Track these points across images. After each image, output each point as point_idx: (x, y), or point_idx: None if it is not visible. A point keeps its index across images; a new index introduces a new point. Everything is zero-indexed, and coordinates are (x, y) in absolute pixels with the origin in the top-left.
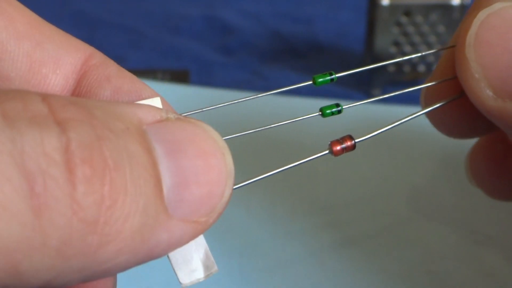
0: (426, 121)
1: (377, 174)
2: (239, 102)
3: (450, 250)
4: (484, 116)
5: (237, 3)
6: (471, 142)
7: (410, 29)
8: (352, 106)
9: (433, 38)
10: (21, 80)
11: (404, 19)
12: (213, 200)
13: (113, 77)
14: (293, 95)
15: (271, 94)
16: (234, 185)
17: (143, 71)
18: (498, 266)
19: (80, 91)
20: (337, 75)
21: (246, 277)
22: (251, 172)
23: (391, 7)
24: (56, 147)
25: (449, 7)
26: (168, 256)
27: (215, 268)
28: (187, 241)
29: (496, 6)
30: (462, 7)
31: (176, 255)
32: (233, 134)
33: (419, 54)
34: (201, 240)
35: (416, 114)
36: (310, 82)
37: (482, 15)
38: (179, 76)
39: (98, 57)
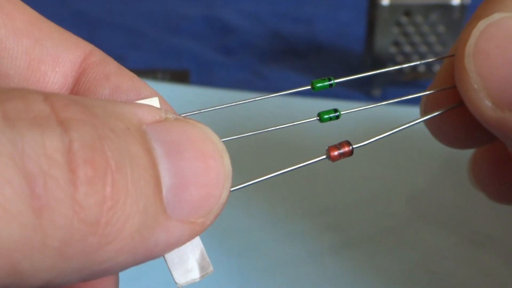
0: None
1: (377, 175)
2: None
3: (450, 250)
4: (483, 126)
5: (237, 3)
6: None
7: (410, 29)
8: (351, 111)
9: (433, 38)
10: (20, 77)
11: (404, 19)
12: (211, 201)
13: (112, 75)
14: (292, 95)
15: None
16: (232, 187)
17: (143, 71)
18: (498, 266)
19: (78, 89)
20: (336, 80)
21: (246, 278)
22: (249, 173)
23: (391, 7)
24: (58, 147)
25: (449, 7)
26: (164, 257)
27: (211, 268)
28: (185, 242)
29: (496, 16)
30: (462, 7)
31: (172, 256)
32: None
33: (419, 62)
34: (197, 241)
35: (415, 122)
36: (309, 87)
37: (481, 25)
38: (179, 76)
39: (98, 54)
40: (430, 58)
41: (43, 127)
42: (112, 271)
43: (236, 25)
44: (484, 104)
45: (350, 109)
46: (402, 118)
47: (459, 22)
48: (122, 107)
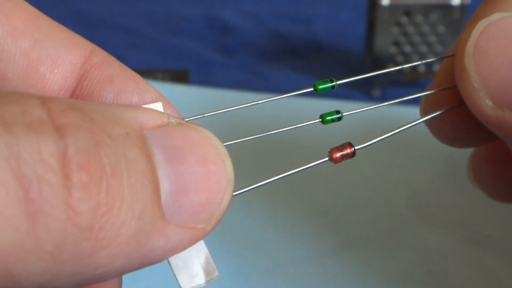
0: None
1: (377, 175)
2: (240, 104)
3: (450, 250)
4: (483, 125)
5: (237, 3)
6: None
7: (410, 29)
8: (352, 113)
9: (433, 38)
10: (18, 80)
11: (404, 19)
12: (212, 207)
13: (115, 77)
14: (293, 96)
15: (272, 94)
16: (234, 191)
17: (143, 71)
18: (498, 266)
19: (81, 92)
20: (338, 82)
21: (246, 279)
22: (251, 174)
23: (391, 7)
24: (53, 153)
25: (449, 7)
26: (168, 261)
27: (216, 273)
28: (185, 248)
29: (495, 16)
30: (462, 7)
31: (176, 261)
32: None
33: (419, 63)
34: (201, 246)
35: (415, 122)
36: (311, 89)
37: (481, 25)
38: (179, 76)
39: (100, 55)
40: (430, 58)
41: (39, 132)
42: (109, 277)
43: (236, 25)
44: (484, 103)
45: (351, 108)
46: (402, 118)
47: (459, 22)
48: (123, 111)
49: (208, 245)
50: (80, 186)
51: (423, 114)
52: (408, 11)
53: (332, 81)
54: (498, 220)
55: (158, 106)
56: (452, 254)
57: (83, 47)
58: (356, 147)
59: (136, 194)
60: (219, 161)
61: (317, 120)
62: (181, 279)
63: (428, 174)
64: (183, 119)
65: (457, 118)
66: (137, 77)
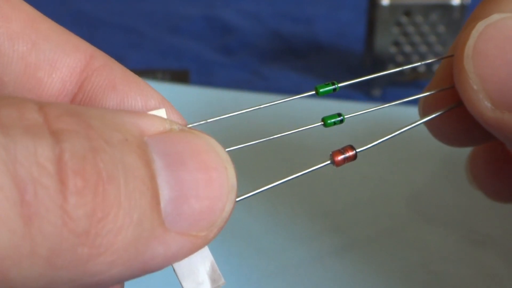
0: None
1: (377, 175)
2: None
3: (450, 250)
4: (482, 126)
5: (237, 3)
6: None
7: (410, 29)
8: (354, 115)
9: (433, 38)
10: (16, 84)
11: (404, 19)
12: (213, 214)
13: (118, 83)
14: (293, 96)
15: (273, 96)
16: (237, 196)
17: (143, 71)
18: (498, 266)
19: (83, 98)
20: (340, 84)
21: (247, 280)
22: (252, 176)
23: (391, 7)
24: (49, 157)
25: (449, 7)
26: (173, 269)
27: (222, 281)
28: (186, 255)
29: (494, 17)
30: (462, 7)
31: (181, 268)
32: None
33: (419, 63)
34: (206, 253)
35: (415, 124)
36: (313, 92)
37: (480, 26)
38: (179, 76)
39: (101, 58)
40: (430, 58)
41: (35, 136)
42: (107, 284)
43: (236, 25)
44: (483, 104)
45: (351, 109)
46: (402, 118)
47: (459, 22)
48: (123, 117)
49: (208, 245)
50: (75, 192)
51: (422, 114)
52: (408, 11)
53: (333, 84)
54: (498, 220)
55: (162, 113)
56: (452, 254)
57: (83, 50)
58: (357, 150)
59: (134, 201)
60: (221, 168)
61: (319, 124)
62: (187, 286)
63: (427, 174)
64: (186, 125)
65: (456, 119)
66: (140, 81)
